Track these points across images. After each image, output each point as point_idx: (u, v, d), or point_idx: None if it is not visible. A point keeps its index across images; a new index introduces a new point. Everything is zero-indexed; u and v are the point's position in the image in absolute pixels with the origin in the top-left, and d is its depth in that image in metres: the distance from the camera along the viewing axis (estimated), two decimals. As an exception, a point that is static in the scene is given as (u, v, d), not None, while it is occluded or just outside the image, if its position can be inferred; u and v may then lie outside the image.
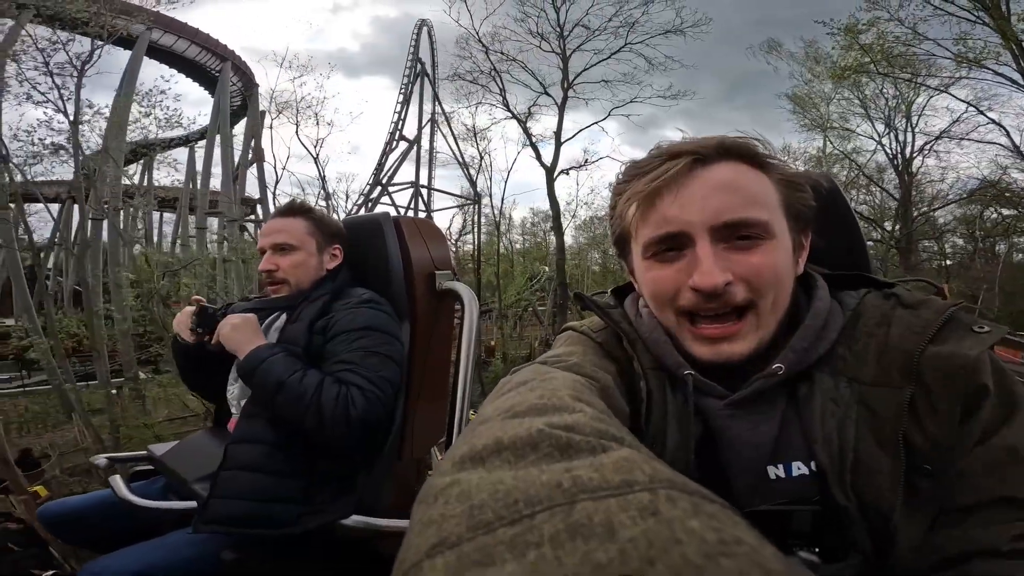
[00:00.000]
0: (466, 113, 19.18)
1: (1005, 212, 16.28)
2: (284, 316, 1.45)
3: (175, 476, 1.30)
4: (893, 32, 13.71)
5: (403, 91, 29.79)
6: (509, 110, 17.67)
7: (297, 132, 16.22)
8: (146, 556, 1.12)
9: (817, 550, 0.60)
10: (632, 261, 0.72)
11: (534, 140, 17.77)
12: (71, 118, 11.99)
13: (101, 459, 1.43)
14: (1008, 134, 14.45)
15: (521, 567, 0.24)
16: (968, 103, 14.95)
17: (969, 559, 0.53)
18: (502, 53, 17.25)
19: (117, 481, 1.28)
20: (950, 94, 15.13)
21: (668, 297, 0.65)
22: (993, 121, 14.68)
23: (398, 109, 29.78)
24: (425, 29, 29.70)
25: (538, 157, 17.49)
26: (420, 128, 29.66)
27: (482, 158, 18.60)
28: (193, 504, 1.23)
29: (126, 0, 12.33)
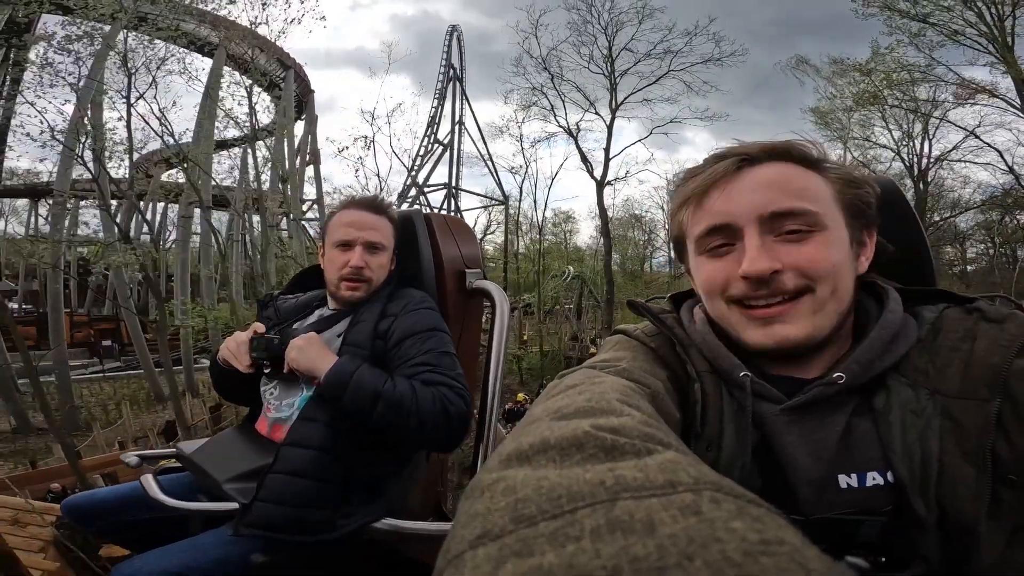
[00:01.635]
0: (513, 123, 21.51)
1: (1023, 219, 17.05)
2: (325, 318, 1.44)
3: (207, 476, 1.28)
4: (909, 58, 15.39)
5: (437, 96, 30.94)
6: (567, 130, 20.01)
7: (392, 144, 17.33)
8: (179, 556, 1.11)
9: (884, 559, 0.59)
10: (688, 261, 0.74)
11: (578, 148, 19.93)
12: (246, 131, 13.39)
13: (131, 457, 1.42)
14: (1001, 155, 15.78)
15: (559, 558, 0.25)
16: (969, 131, 16.28)
17: None
18: (560, 77, 19.63)
19: (149, 480, 1.27)
20: (950, 122, 16.68)
21: (719, 288, 0.67)
22: (988, 144, 16.08)
23: (432, 114, 30.94)
24: (455, 35, 30.99)
25: (590, 172, 19.78)
26: (453, 132, 30.93)
27: (527, 166, 20.78)
28: (224, 505, 1.22)
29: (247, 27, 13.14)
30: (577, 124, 20.15)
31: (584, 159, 19.91)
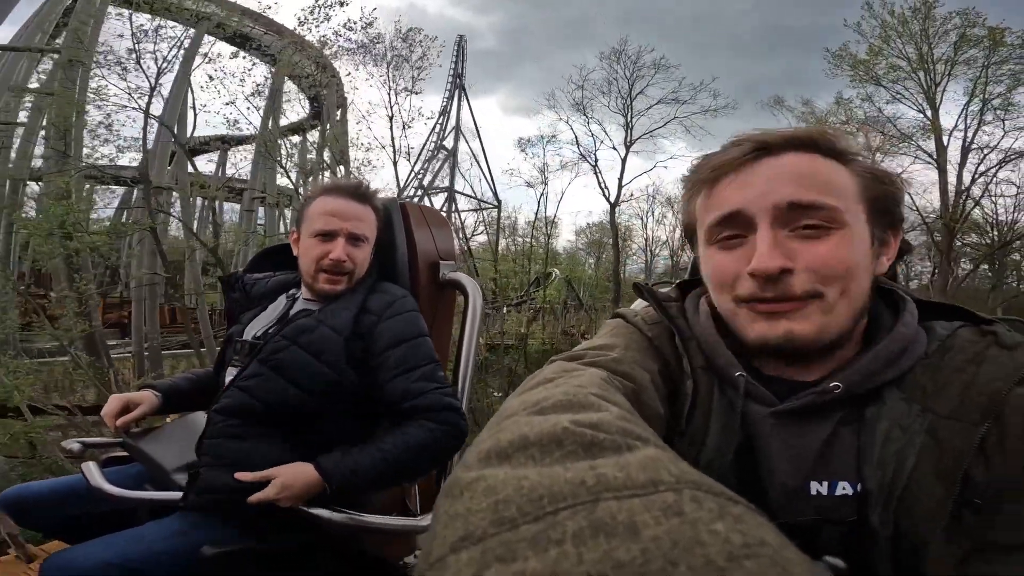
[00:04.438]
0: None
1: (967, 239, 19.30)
2: (285, 301, 1.39)
3: (154, 465, 1.21)
4: (864, 110, 18.80)
5: (444, 104, 32.32)
6: (591, 162, 23.66)
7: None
8: (120, 547, 1.03)
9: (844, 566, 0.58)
10: (698, 250, 0.70)
11: (587, 163, 23.70)
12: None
13: (73, 444, 1.31)
14: (910, 195, 19.15)
15: (542, 564, 0.25)
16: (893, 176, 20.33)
17: None
18: (591, 117, 23.56)
19: (91, 468, 1.18)
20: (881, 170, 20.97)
21: (728, 284, 0.63)
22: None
23: (440, 119, 32.16)
24: (461, 46, 32.63)
25: (607, 196, 23.64)
26: (456, 138, 32.28)
27: (545, 183, 24.10)
28: (172, 494, 1.15)
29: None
30: (595, 154, 23.88)
31: (602, 185, 23.61)
